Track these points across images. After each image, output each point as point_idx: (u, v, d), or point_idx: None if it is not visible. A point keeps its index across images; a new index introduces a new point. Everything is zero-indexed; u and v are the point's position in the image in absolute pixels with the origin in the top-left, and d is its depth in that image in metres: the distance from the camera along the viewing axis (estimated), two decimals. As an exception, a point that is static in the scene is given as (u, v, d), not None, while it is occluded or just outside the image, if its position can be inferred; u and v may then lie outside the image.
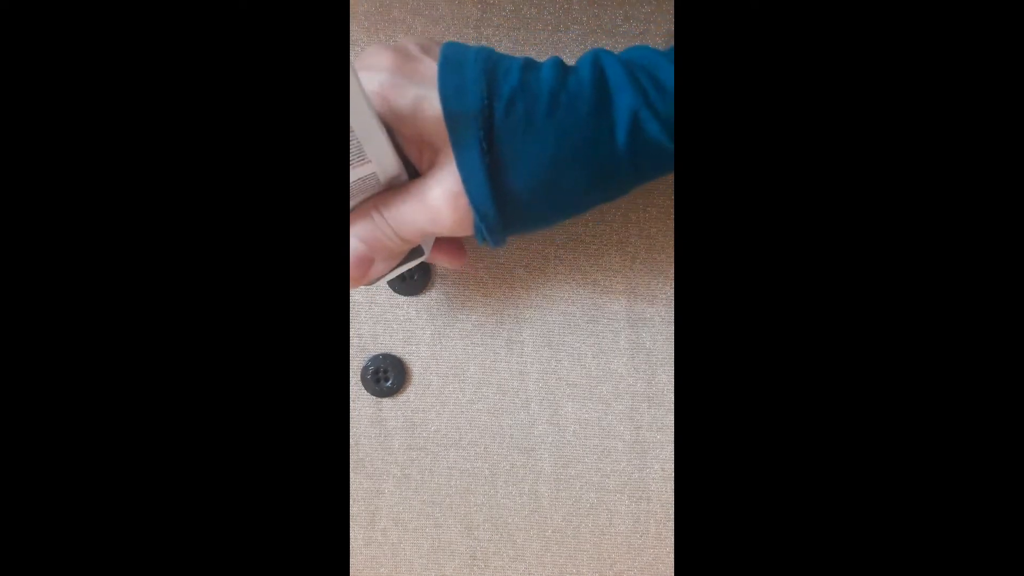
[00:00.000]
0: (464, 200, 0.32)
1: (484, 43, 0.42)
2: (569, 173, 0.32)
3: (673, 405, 0.45)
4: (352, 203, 0.34)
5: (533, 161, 0.31)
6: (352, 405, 0.45)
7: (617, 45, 0.42)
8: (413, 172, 0.34)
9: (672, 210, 0.44)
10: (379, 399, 0.45)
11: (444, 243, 0.40)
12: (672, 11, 0.42)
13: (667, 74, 0.31)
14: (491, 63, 0.32)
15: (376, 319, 0.45)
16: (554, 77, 0.32)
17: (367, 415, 0.45)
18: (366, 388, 0.45)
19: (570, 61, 0.34)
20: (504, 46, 0.42)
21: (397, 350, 0.45)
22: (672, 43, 0.34)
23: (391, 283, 0.44)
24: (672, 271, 0.44)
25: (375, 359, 0.45)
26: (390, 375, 0.45)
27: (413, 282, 0.44)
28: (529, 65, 0.32)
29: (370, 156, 0.31)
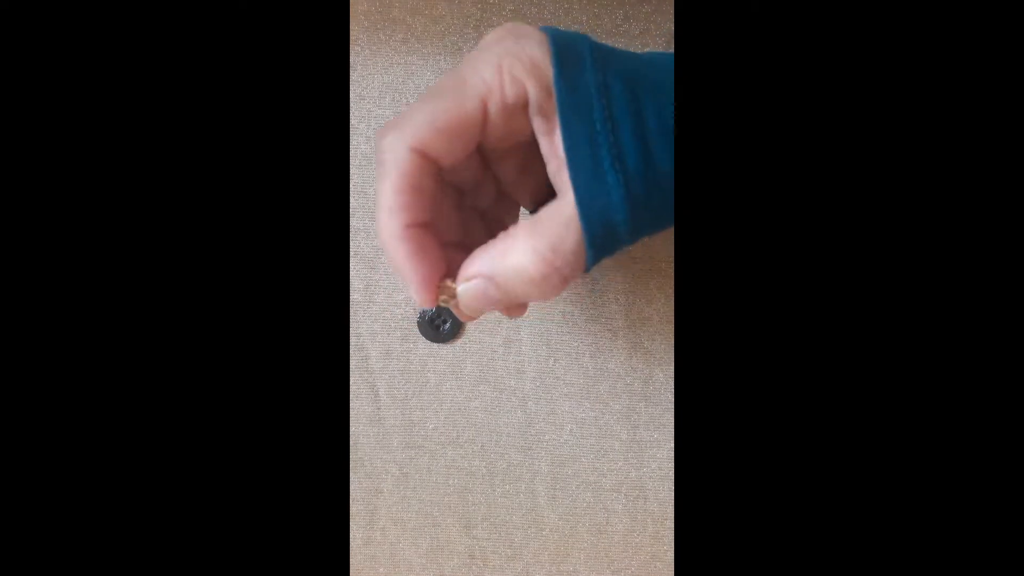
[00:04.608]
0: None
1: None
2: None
3: (670, 404, 0.45)
4: None
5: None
6: (352, 404, 0.45)
7: (617, 45, 0.42)
8: None
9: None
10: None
11: None
12: (672, 11, 0.42)
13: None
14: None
15: (374, 318, 0.45)
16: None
17: (366, 414, 0.46)
18: (423, 334, 0.45)
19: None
20: (504, 46, 0.42)
21: (395, 349, 0.45)
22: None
23: (423, 331, 0.45)
24: (671, 270, 0.44)
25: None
26: (447, 319, 0.45)
27: (444, 332, 0.44)
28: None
29: None
